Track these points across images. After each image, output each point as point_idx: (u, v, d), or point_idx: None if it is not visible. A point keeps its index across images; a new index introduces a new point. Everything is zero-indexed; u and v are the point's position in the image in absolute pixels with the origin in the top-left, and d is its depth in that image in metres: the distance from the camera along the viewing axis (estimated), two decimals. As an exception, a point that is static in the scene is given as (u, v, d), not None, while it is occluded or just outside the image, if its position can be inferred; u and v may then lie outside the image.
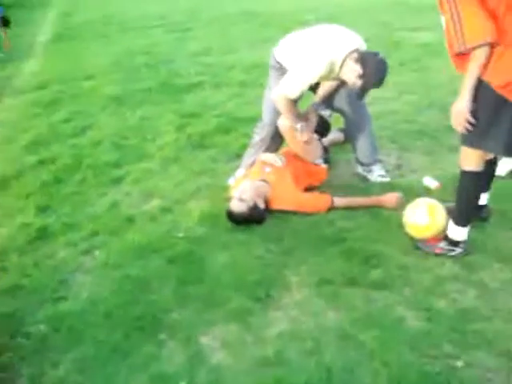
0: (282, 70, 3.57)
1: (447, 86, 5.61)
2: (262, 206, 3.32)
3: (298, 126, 3.53)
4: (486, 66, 2.52)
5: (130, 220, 3.50)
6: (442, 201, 3.25)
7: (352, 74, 3.27)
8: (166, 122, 5.14)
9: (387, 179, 3.83)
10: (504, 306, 2.61)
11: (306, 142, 3.61)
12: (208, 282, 2.84)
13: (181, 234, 3.27)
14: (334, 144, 4.29)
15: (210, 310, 2.65)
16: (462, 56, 2.58)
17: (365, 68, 3.20)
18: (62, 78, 7.35)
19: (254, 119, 5.01)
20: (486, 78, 2.57)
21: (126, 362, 2.39)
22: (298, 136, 3.56)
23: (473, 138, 2.73)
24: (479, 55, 2.49)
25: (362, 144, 3.84)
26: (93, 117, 5.55)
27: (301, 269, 2.93)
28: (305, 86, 3.38)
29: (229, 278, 2.85)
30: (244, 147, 4.43)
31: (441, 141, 4.41)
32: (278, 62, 3.59)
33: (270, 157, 3.68)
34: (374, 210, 3.44)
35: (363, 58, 3.22)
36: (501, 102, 2.58)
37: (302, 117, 3.58)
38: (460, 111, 2.64)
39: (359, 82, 3.27)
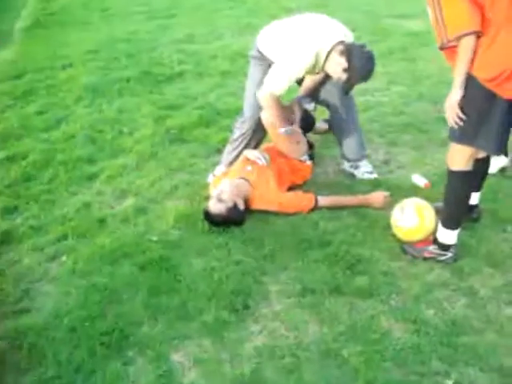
0: (263, 60, 3.37)
1: (437, 76, 5.42)
2: (241, 206, 3.12)
3: (283, 130, 3.34)
4: (472, 58, 2.38)
5: (102, 222, 3.30)
6: (431, 200, 3.09)
7: (337, 67, 3.08)
8: (145, 114, 4.90)
9: (374, 176, 3.65)
10: (496, 317, 2.46)
11: (292, 142, 3.43)
12: (182, 292, 2.65)
13: (155, 238, 3.08)
14: (318, 133, 4.10)
15: (183, 323, 2.47)
16: (452, 47, 2.44)
17: (350, 61, 3.02)
18: (39, 67, 7.04)
19: (236, 111, 4.80)
20: (472, 72, 2.43)
21: (90, 382, 2.20)
22: (282, 138, 3.39)
23: (462, 134, 2.57)
24: (465, 45, 2.36)
25: (349, 139, 3.65)
26: (68, 108, 5.29)
27: (281, 276, 2.75)
28: (291, 81, 3.19)
29: (204, 287, 2.66)
30: (225, 141, 4.22)
31: (430, 135, 4.23)
32: (260, 52, 3.39)
33: (255, 154, 3.47)
34: (360, 210, 3.26)
35: (349, 51, 3.02)
36: (489, 97, 2.43)
37: (288, 116, 3.38)
38: (451, 105, 2.52)
39: (344, 76, 3.08)
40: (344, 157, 3.72)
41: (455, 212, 2.75)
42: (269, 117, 3.32)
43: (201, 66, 6.41)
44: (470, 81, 2.45)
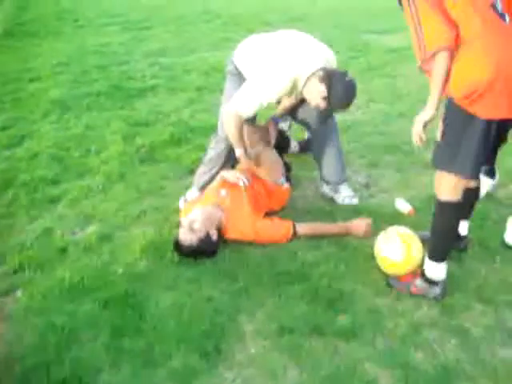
0: (239, 77, 3.18)
1: (416, 94, 5.30)
2: (214, 236, 2.89)
3: (238, 152, 3.14)
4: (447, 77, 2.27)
5: (63, 251, 3.03)
6: (417, 228, 2.92)
7: (316, 94, 2.89)
8: (114, 131, 4.66)
9: (355, 201, 3.45)
10: (489, 361, 2.26)
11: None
12: (148, 333, 2.40)
13: (120, 270, 2.83)
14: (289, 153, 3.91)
15: (149, 370, 2.22)
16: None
17: (330, 89, 2.83)
18: (7, 79, 6.74)
19: (211, 129, 4.57)
20: (449, 93, 2.30)
21: None
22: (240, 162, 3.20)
23: (441, 159, 2.43)
24: (438, 61, 2.24)
25: (329, 161, 3.45)
26: (34, 124, 5.01)
27: (257, 314, 2.52)
28: (263, 106, 2.98)
29: (172, 328, 2.42)
30: (198, 161, 3.99)
31: (413, 156, 4.07)
32: (236, 68, 3.18)
33: (234, 175, 3.24)
34: (341, 238, 3.07)
35: (330, 78, 2.84)
36: (467, 118, 2.28)
37: (262, 136, 3.18)
38: (416, 122, 2.41)
39: (323, 104, 2.90)
40: (323, 179, 3.53)
41: (443, 244, 2.57)
42: (227, 135, 3.10)
43: (174, 80, 6.21)
44: (449, 104, 2.33)
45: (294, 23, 8.88)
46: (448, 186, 2.45)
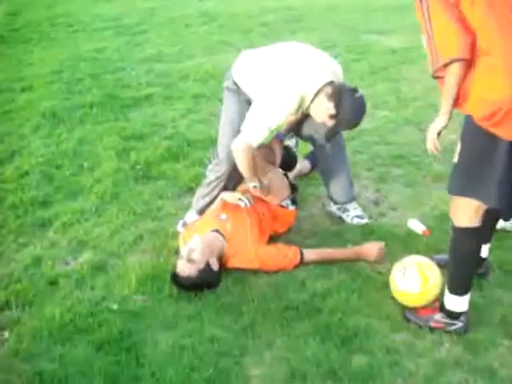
0: (239, 94, 2.96)
1: (422, 99, 5.10)
2: (215, 267, 2.68)
3: (252, 185, 2.94)
4: (462, 92, 2.08)
5: (53, 284, 2.82)
6: (432, 249, 2.79)
7: (323, 112, 2.69)
8: (107, 146, 4.42)
9: (365, 221, 3.24)
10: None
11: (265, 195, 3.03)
12: (145, 381, 2.19)
13: (114, 306, 2.62)
14: (300, 175, 3.68)
15: (146, 427, 2.02)
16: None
17: (339, 108, 2.63)
18: (-2, 90, 6.54)
19: (208, 142, 4.40)
20: (467, 111, 2.10)
21: None
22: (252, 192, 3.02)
23: (460, 184, 2.21)
24: (451, 71, 2.05)
25: (337, 180, 3.24)
26: (24, 139, 4.79)
27: (265, 356, 2.31)
28: (271, 130, 2.76)
29: (172, 374, 2.20)
30: (197, 178, 3.80)
31: (423, 168, 3.87)
32: (235, 83, 2.96)
33: (235, 196, 3.04)
34: (352, 265, 2.86)
35: (339, 96, 2.63)
36: (489, 139, 2.06)
37: (267, 156, 2.98)
38: (432, 131, 2.27)
39: (331, 123, 2.69)
40: (331, 198, 3.31)
41: (464, 275, 2.35)
42: (240, 170, 2.89)
43: (171, 88, 5.97)
44: (467, 123, 2.13)
45: (291, 24, 8.69)
46: (467, 212, 2.24)
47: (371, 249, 2.88)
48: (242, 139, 2.74)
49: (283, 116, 2.71)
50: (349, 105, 2.64)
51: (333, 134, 2.81)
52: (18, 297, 2.72)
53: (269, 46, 2.95)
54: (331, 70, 2.80)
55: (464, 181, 2.20)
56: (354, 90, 2.69)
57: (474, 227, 2.25)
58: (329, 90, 2.66)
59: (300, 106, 2.73)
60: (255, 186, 2.95)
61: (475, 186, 2.16)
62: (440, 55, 2.07)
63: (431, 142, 2.29)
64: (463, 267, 2.34)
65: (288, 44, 2.91)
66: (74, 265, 2.99)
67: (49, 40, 9.65)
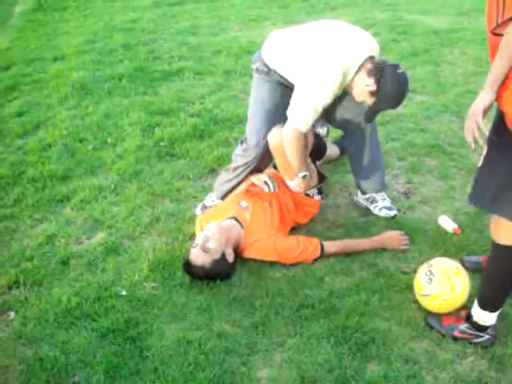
0: (270, 76, 2.77)
1: (463, 85, 4.81)
2: (230, 258, 2.55)
3: (301, 174, 2.79)
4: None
5: (64, 264, 2.75)
6: (461, 250, 2.62)
7: (363, 89, 2.50)
8: (133, 121, 4.32)
9: (394, 213, 3.06)
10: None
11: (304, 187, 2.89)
12: (147, 376, 2.09)
13: (123, 292, 2.52)
14: (328, 161, 3.51)
15: (144, 426, 1.93)
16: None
17: (380, 85, 2.43)
18: (30, 58, 6.47)
19: (236, 120, 4.26)
20: (502, 107, 1.80)
21: None
22: (294, 185, 2.87)
23: (483, 196, 1.96)
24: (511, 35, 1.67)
25: (368, 170, 3.05)
26: (51, 110, 4.73)
27: (275, 356, 2.18)
28: (318, 111, 2.58)
29: (175, 371, 2.09)
30: (220, 160, 3.68)
31: (457, 159, 3.64)
32: (267, 66, 2.77)
33: (261, 178, 2.94)
34: (375, 262, 2.69)
35: (380, 72, 2.43)
36: None
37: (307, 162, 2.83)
38: (471, 112, 1.84)
39: (371, 101, 2.51)
40: (359, 187, 3.13)
41: (500, 294, 2.13)
42: (277, 136, 2.73)
43: (202, 62, 5.82)
44: (498, 122, 1.86)
45: (329, 5, 8.36)
46: (509, 230, 1.97)
47: (392, 236, 2.77)
48: (290, 125, 2.58)
49: (329, 93, 2.51)
50: (391, 82, 2.44)
51: (373, 114, 2.62)
52: (28, 276, 2.66)
53: (299, 25, 2.75)
54: (370, 45, 2.60)
55: (487, 193, 1.94)
56: (396, 66, 2.48)
57: None
58: (369, 65, 2.47)
59: (344, 82, 2.54)
60: (305, 176, 2.79)
61: (498, 201, 1.90)
62: (508, 6, 1.72)
63: (472, 126, 1.83)
64: (500, 288, 2.12)
65: (320, 22, 2.70)
66: (87, 245, 2.91)
67: (86, 9, 9.57)
